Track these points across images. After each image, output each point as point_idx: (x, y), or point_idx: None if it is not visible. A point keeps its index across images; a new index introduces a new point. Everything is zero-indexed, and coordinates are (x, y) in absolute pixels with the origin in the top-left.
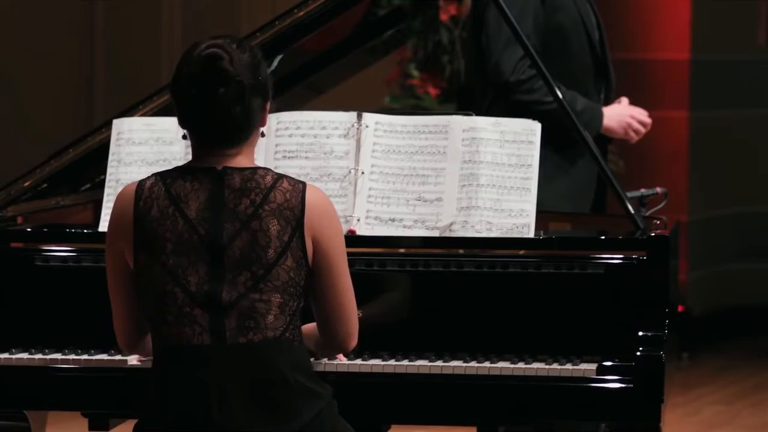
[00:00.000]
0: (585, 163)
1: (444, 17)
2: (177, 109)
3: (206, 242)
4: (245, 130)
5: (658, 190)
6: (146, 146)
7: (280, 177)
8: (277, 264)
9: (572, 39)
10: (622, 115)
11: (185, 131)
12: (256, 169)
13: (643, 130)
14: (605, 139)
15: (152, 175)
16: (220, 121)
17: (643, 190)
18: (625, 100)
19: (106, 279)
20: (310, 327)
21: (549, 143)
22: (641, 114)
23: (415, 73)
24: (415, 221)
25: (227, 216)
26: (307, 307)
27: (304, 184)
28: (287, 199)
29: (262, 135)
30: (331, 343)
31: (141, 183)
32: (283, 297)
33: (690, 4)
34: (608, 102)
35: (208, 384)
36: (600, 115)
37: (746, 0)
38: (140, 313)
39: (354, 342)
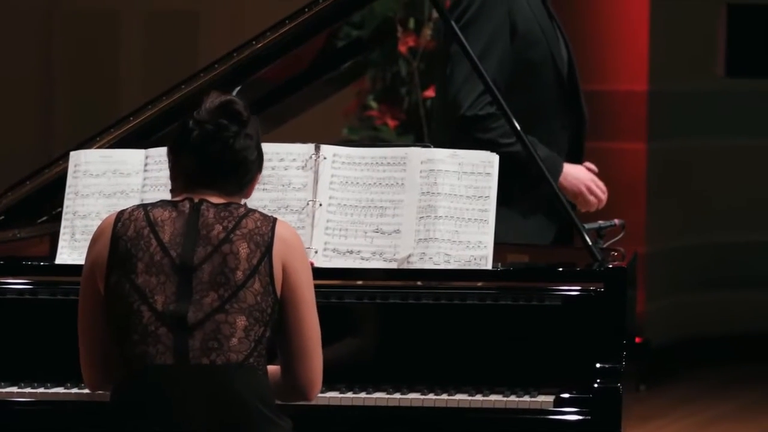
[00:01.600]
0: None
1: (403, 49)
2: (175, 150)
3: (177, 264)
4: (243, 178)
5: (616, 221)
6: (103, 178)
7: (253, 210)
8: (245, 286)
9: (541, 75)
10: (579, 179)
11: (171, 170)
12: (229, 203)
13: (593, 202)
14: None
15: (134, 205)
16: (226, 165)
17: (600, 222)
18: (590, 167)
19: (77, 313)
20: (273, 369)
21: (510, 176)
22: (598, 188)
23: (374, 104)
24: (373, 253)
25: (200, 241)
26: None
27: (275, 219)
28: (258, 226)
29: (243, 187)
30: (294, 387)
31: (122, 211)
32: (248, 320)
33: (648, 34)
34: (582, 137)
35: (169, 403)
36: (558, 170)
37: (704, 31)
38: (109, 350)
39: (317, 391)
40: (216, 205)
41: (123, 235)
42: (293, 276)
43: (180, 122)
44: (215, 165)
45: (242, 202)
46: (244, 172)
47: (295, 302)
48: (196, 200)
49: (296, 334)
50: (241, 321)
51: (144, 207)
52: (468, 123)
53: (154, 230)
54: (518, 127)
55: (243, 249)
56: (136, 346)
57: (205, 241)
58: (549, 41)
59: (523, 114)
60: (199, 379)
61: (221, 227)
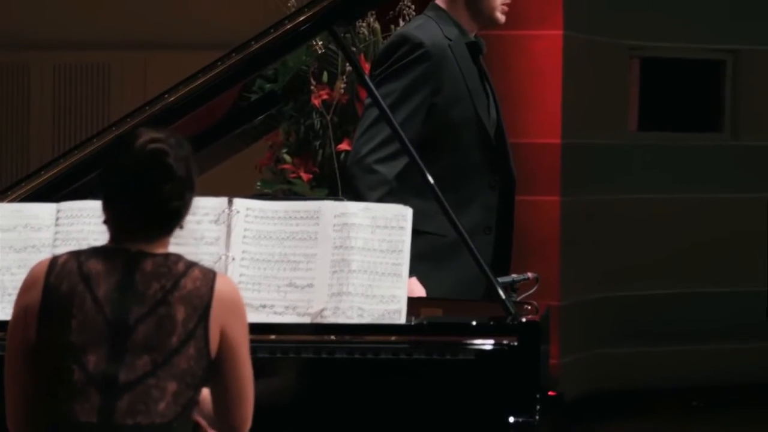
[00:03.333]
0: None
1: (316, 102)
2: (107, 196)
3: (111, 323)
4: (176, 223)
5: (529, 275)
6: (14, 233)
7: (192, 264)
8: (179, 352)
9: (465, 135)
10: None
11: (105, 217)
12: (168, 254)
13: None
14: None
15: (67, 252)
16: (155, 215)
17: (514, 276)
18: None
19: (4, 363)
20: (206, 394)
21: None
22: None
23: (287, 157)
24: (287, 307)
25: (136, 299)
26: None
27: (214, 273)
28: (197, 287)
29: (181, 227)
30: (225, 424)
31: (55, 258)
32: (179, 386)
33: (561, 89)
34: (511, 196)
35: None
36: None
37: (617, 86)
38: (34, 401)
39: (248, 425)
40: (153, 257)
41: (56, 289)
42: (231, 337)
43: (108, 166)
44: (147, 215)
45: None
46: (177, 217)
47: (231, 360)
48: (133, 251)
49: (231, 385)
50: (172, 386)
51: (77, 258)
52: (356, 166)
53: (88, 285)
54: (431, 180)
55: (180, 313)
56: (63, 402)
57: (140, 299)
58: (475, 102)
59: (447, 173)
60: None
61: (159, 285)
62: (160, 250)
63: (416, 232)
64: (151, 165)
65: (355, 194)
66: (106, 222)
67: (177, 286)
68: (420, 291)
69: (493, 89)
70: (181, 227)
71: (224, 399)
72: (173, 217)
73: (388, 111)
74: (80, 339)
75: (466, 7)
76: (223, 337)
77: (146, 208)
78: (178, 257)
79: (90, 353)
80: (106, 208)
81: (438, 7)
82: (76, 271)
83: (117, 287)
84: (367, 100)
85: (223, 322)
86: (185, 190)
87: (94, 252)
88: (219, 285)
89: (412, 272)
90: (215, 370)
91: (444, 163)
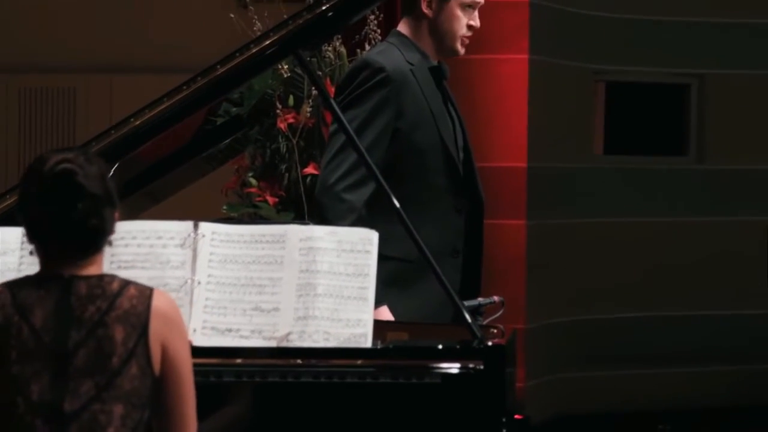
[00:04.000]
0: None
1: (282, 126)
2: (27, 225)
3: (51, 350)
4: (99, 241)
5: (495, 298)
6: None
7: (127, 283)
8: (121, 373)
9: (430, 159)
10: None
11: (33, 246)
12: (102, 276)
13: None
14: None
15: (1, 284)
16: (75, 235)
17: (480, 299)
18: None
19: None
20: None
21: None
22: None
23: (253, 181)
24: (252, 331)
25: (73, 324)
26: None
27: (151, 290)
28: (134, 305)
29: (109, 244)
30: None
31: None
32: (125, 408)
33: (527, 113)
34: (480, 220)
35: None
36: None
37: (582, 110)
38: None
39: None
40: (87, 279)
41: None
42: (171, 353)
43: (21, 195)
44: (67, 238)
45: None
46: (100, 235)
47: (174, 378)
48: (66, 276)
49: (174, 405)
50: (119, 409)
51: (10, 289)
52: (324, 195)
53: (23, 315)
54: (397, 205)
55: (118, 333)
56: None
57: (78, 323)
58: (439, 125)
59: (412, 197)
60: None
61: (94, 308)
62: (94, 272)
63: (385, 257)
64: (60, 186)
65: (325, 223)
66: (32, 252)
67: (113, 306)
68: (388, 318)
69: (458, 113)
70: (110, 244)
71: (167, 422)
72: (95, 235)
73: (354, 136)
74: (21, 370)
75: (429, 34)
76: (165, 354)
77: (64, 230)
78: (113, 277)
79: (33, 384)
80: (29, 238)
81: (400, 34)
82: (10, 302)
83: (53, 314)
84: (332, 127)
85: (163, 338)
86: (102, 206)
87: (28, 281)
88: (156, 301)
89: (383, 300)
90: (159, 389)
91: (409, 187)
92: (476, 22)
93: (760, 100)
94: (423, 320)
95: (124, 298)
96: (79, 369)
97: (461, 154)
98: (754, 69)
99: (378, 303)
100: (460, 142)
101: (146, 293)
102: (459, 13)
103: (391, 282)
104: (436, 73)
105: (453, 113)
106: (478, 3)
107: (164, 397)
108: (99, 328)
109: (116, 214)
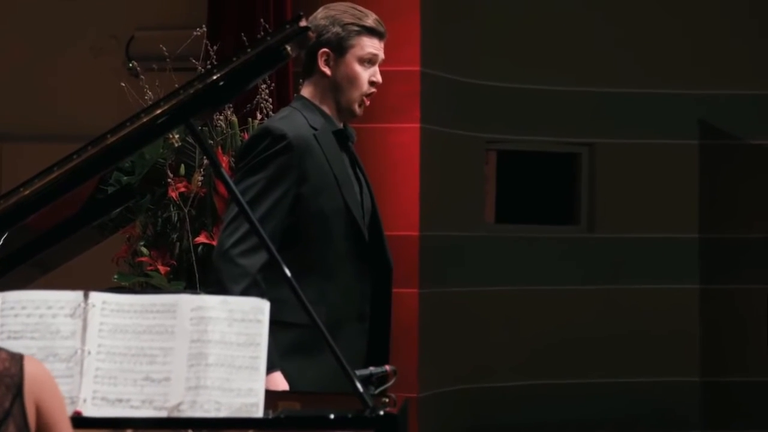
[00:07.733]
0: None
1: (173, 194)
2: None
3: None
4: None
5: (387, 368)
6: None
7: None
8: None
9: (333, 223)
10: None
11: None
12: None
13: None
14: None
15: None
16: None
17: (372, 368)
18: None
19: None
20: None
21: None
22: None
23: (145, 250)
24: (143, 401)
25: None
26: None
27: (21, 355)
28: (6, 368)
29: None
30: None
31: None
32: None
33: (418, 181)
34: (387, 285)
35: None
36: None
37: (474, 179)
38: None
39: None
40: None
41: None
42: (47, 412)
43: None
44: None
45: None
46: None
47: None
48: None
49: None
50: None
51: None
52: (220, 259)
53: None
54: (287, 273)
55: None
56: None
57: None
58: (343, 190)
59: (317, 261)
60: None
61: None
62: None
63: (288, 324)
64: None
65: (220, 286)
66: None
67: None
68: (283, 386)
69: (366, 177)
70: None
71: None
72: None
73: (246, 205)
74: None
75: (331, 95)
76: (40, 414)
77: None
78: None
79: None
80: None
81: (303, 98)
82: None
83: None
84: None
85: (37, 398)
86: None
87: None
88: (28, 365)
89: (280, 366)
90: None
91: (315, 252)
92: (377, 78)
93: (648, 168)
94: (323, 387)
95: None
96: None
97: (367, 218)
98: (643, 138)
99: (272, 369)
100: (368, 206)
101: (17, 357)
102: (357, 68)
103: (296, 349)
104: (341, 136)
105: (360, 176)
106: (377, 57)
107: None
108: None
109: None
